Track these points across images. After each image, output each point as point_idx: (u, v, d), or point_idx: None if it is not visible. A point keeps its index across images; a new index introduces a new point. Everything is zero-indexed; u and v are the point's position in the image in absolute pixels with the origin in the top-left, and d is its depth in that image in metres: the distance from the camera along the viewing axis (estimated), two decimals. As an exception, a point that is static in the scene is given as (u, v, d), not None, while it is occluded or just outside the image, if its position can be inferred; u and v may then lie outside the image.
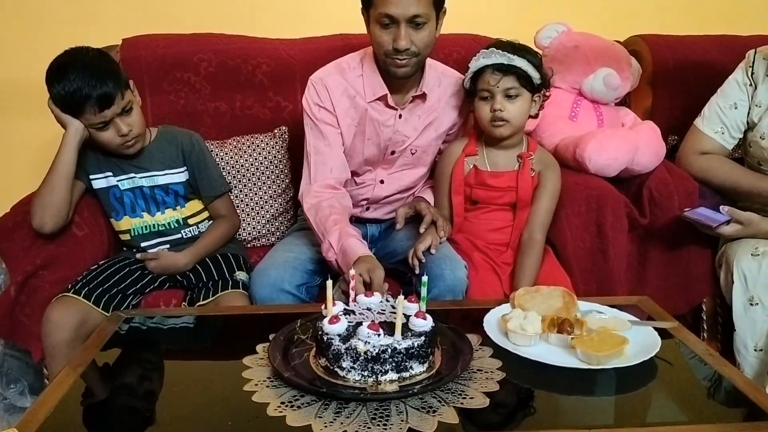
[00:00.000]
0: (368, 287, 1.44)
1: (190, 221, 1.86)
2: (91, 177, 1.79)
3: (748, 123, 1.93)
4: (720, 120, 1.94)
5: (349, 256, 1.53)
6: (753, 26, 2.38)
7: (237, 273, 1.77)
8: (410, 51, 1.64)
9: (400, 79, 1.73)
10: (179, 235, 1.84)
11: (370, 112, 1.77)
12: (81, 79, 1.62)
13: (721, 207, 1.75)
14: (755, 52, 1.93)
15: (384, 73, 1.73)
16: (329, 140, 1.76)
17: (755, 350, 1.71)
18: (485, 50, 1.70)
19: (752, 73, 1.92)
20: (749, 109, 1.92)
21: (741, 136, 1.95)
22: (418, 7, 1.59)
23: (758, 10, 2.40)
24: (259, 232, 2.09)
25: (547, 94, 1.77)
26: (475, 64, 1.70)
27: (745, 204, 1.94)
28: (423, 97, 1.80)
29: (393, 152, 1.83)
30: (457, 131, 1.91)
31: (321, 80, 1.77)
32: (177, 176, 1.84)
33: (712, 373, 1.22)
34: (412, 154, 1.86)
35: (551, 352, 1.24)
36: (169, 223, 1.83)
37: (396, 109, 1.78)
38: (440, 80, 1.83)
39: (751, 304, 1.71)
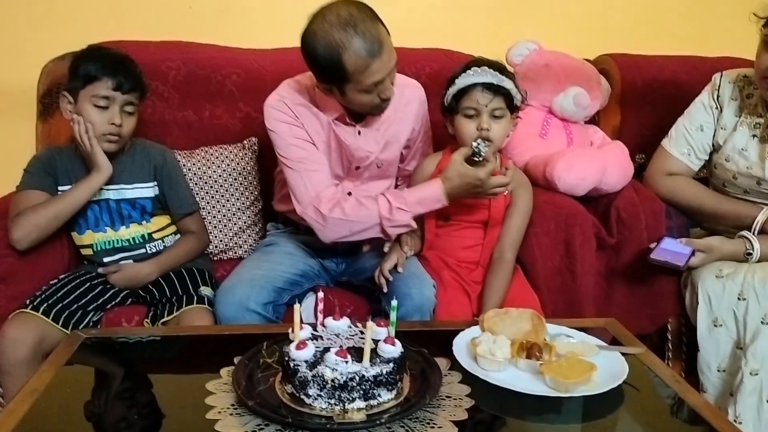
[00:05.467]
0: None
1: (155, 236, 1.83)
2: (60, 188, 1.75)
3: (713, 145, 1.96)
4: (686, 141, 1.97)
5: (428, 200, 1.63)
6: (720, 48, 2.43)
7: (201, 288, 1.74)
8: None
9: None
10: (143, 250, 1.80)
11: (333, 128, 1.73)
12: (113, 59, 1.72)
13: (679, 240, 1.77)
14: (721, 76, 1.96)
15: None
16: (309, 151, 1.71)
17: (718, 371, 1.73)
18: (475, 68, 1.67)
19: (718, 96, 1.95)
20: (715, 131, 1.95)
21: (707, 157, 1.98)
22: (392, 55, 1.58)
23: (726, 31, 2.44)
24: (226, 245, 2.05)
25: (520, 116, 1.77)
26: (463, 81, 1.67)
27: (710, 225, 1.97)
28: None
29: (357, 167, 1.80)
30: (418, 138, 1.88)
31: (281, 100, 1.70)
32: (146, 191, 1.81)
33: (677, 398, 1.23)
34: (378, 167, 1.84)
35: (520, 378, 1.23)
36: (133, 238, 1.79)
37: (354, 126, 1.75)
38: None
39: (715, 326, 1.73)
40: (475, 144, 1.63)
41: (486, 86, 1.65)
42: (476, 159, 1.63)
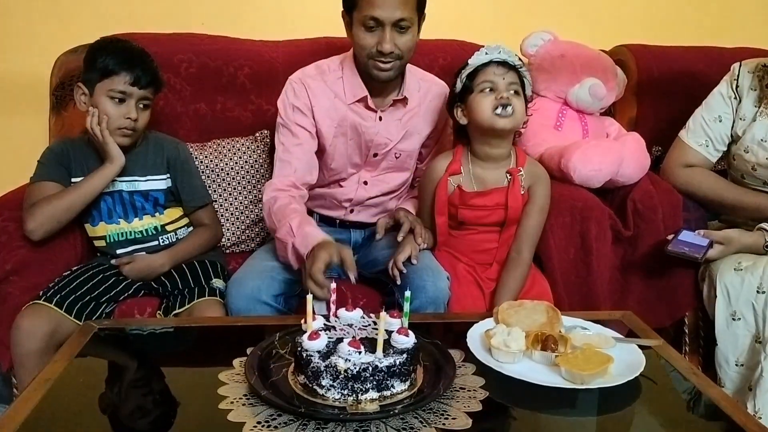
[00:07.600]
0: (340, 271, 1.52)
1: (168, 228, 1.83)
2: (73, 180, 1.75)
3: (732, 136, 1.93)
4: (704, 133, 1.94)
5: (310, 239, 1.52)
6: (738, 38, 2.39)
7: (213, 280, 1.73)
8: (394, 54, 1.65)
9: (381, 83, 1.72)
10: (156, 242, 1.80)
11: (350, 114, 1.76)
12: (130, 53, 1.72)
13: (697, 232, 1.75)
14: (740, 65, 1.93)
15: (365, 76, 1.73)
16: (299, 139, 1.75)
17: (736, 365, 1.71)
18: (488, 47, 1.66)
19: (737, 87, 1.91)
20: (733, 122, 1.92)
21: (725, 148, 1.95)
22: (403, 11, 1.61)
23: (743, 22, 2.41)
24: (238, 238, 2.05)
25: (530, 113, 1.73)
26: (476, 59, 1.65)
27: (729, 217, 1.94)
28: (404, 101, 1.79)
29: (375, 154, 1.81)
30: (435, 137, 1.90)
31: (301, 80, 1.77)
32: (159, 183, 1.81)
33: (695, 391, 1.21)
34: (397, 157, 1.84)
35: (535, 370, 1.22)
36: (146, 230, 1.79)
37: (376, 111, 1.77)
38: (420, 85, 1.83)
39: (734, 319, 1.70)
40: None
41: (500, 63, 1.64)
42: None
